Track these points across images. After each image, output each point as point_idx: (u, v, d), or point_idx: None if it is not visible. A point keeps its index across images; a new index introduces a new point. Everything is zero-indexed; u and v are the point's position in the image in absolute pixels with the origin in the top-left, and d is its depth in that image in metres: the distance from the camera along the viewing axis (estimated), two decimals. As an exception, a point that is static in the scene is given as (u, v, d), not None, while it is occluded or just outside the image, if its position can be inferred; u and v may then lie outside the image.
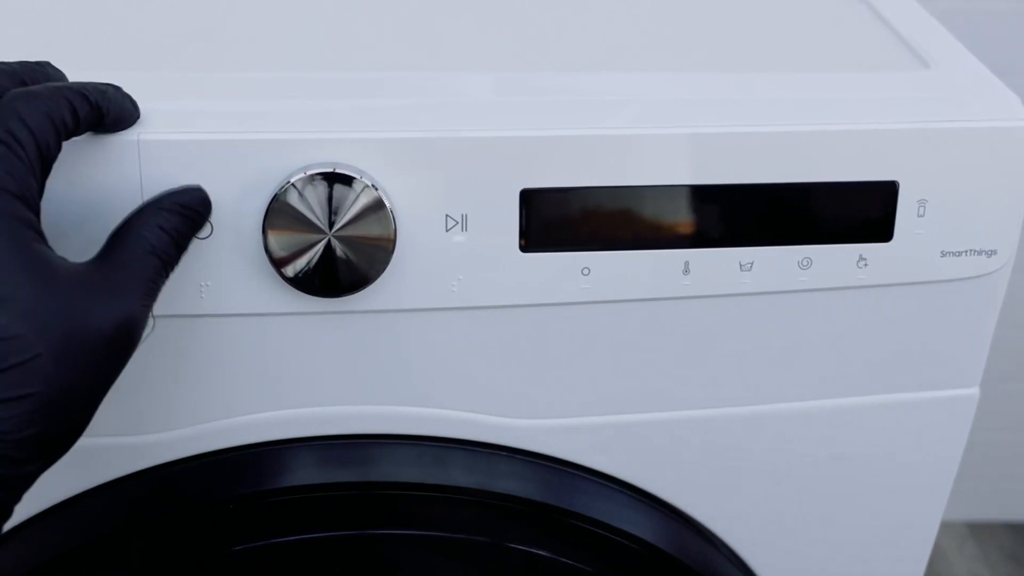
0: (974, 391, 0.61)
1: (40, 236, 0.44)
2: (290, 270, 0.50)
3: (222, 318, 0.52)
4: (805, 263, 0.55)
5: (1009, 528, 1.60)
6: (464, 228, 0.52)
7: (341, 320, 0.53)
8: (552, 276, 0.53)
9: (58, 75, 0.49)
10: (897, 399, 0.60)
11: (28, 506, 0.56)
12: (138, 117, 0.49)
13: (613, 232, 0.53)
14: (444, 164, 0.51)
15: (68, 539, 0.56)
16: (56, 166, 0.48)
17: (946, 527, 1.59)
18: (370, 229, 0.50)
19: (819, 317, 0.57)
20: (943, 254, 0.56)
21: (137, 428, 0.55)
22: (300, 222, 0.49)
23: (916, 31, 0.62)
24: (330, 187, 0.49)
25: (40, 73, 0.48)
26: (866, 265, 0.55)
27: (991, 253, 0.56)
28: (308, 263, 0.50)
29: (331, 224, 0.49)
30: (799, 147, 0.53)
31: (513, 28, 0.62)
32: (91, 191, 0.49)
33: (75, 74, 0.53)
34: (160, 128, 0.49)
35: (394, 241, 0.50)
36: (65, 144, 0.48)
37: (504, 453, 0.58)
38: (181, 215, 0.48)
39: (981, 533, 1.59)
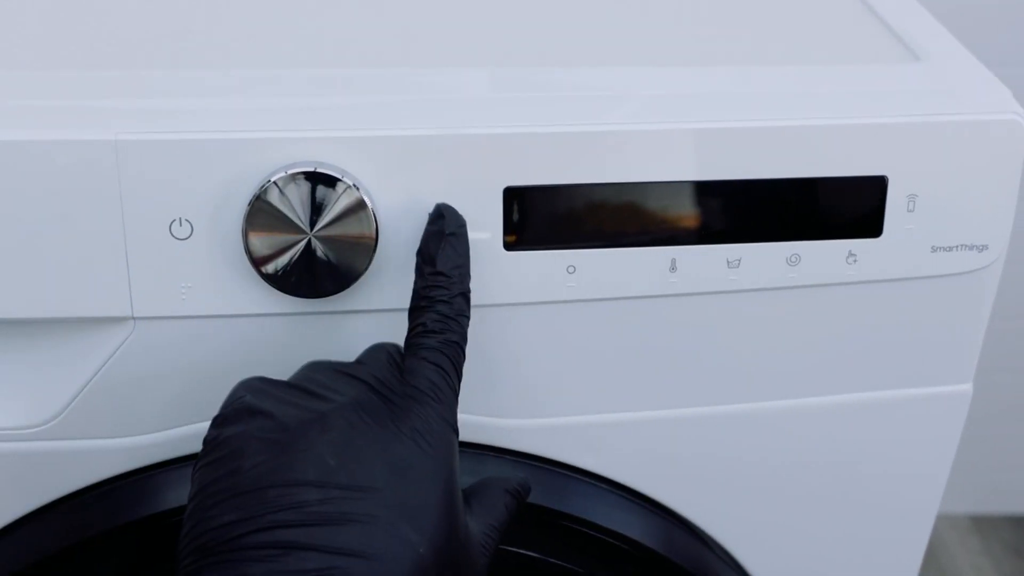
0: (967, 387, 0.61)
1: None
2: (270, 270, 0.50)
3: (204, 319, 0.52)
4: (794, 259, 0.54)
5: (1012, 521, 1.60)
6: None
7: (324, 320, 0.53)
8: (537, 274, 0.53)
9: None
10: (889, 396, 0.60)
11: (19, 506, 0.56)
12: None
13: (598, 230, 0.52)
14: (427, 162, 0.50)
15: (56, 540, 0.56)
16: (34, 168, 0.48)
17: (949, 520, 1.58)
18: (352, 229, 0.49)
19: (809, 314, 0.56)
20: (933, 249, 0.55)
21: (121, 431, 0.54)
22: (281, 222, 0.49)
23: (907, 23, 0.62)
24: (311, 186, 0.49)
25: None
26: (856, 261, 0.55)
27: (982, 248, 0.55)
28: (289, 263, 0.49)
29: (312, 224, 0.49)
30: (787, 142, 0.52)
31: (497, 24, 0.61)
32: (69, 192, 0.49)
33: (51, 73, 0.52)
34: (138, 127, 0.49)
35: (376, 240, 0.50)
36: (44, 145, 0.48)
37: (491, 453, 0.57)
38: None
39: (984, 526, 1.59)
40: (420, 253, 0.49)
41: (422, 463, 0.45)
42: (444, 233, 0.49)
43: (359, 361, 0.49)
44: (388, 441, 0.45)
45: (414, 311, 0.49)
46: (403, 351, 0.49)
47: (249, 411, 0.45)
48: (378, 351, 0.49)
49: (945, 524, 1.57)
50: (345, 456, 0.44)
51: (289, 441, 0.44)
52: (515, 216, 0.51)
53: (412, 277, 0.50)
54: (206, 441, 0.45)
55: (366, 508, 0.42)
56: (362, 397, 0.46)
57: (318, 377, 0.47)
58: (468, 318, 0.49)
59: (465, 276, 0.49)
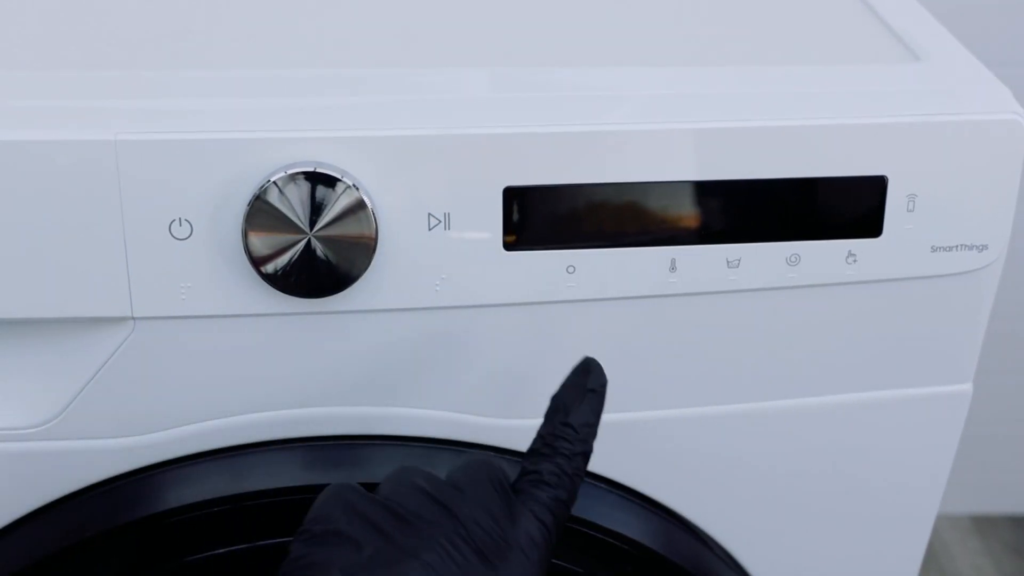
0: (967, 387, 0.61)
1: None
2: (270, 270, 0.50)
3: (204, 319, 0.52)
4: (794, 259, 0.54)
5: (1013, 521, 1.60)
6: (447, 227, 0.51)
7: (324, 321, 0.52)
8: (537, 274, 0.53)
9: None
10: (889, 396, 0.60)
11: (19, 506, 0.56)
12: None
13: (598, 229, 0.52)
14: (426, 162, 0.50)
15: (56, 540, 0.56)
16: (33, 168, 0.48)
17: (950, 520, 1.58)
18: (351, 229, 0.49)
19: (808, 314, 0.56)
20: (933, 249, 0.55)
21: (120, 431, 0.54)
22: (281, 221, 0.49)
23: (907, 23, 0.62)
24: (311, 186, 0.49)
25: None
26: (855, 261, 0.55)
27: (982, 248, 0.55)
28: (288, 263, 0.49)
29: (312, 224, 0.49)
30: (787, 142, 0.52)
31: (497, 24, 0.61)
32: (69, 193, 0.49)
33: (51, 73, 0.52)
34: (138, 127, 0.49)
35: (376, 240, 0.50)
36: (44, 145, 0.48)
37: (491, 454, 0.57)
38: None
39: (984, 526, 1.59)
40: (555, 399, 0.49)
41: None
42: (586, 388, 0.48)
43: (456, 485, 0.46)
44: None
45: (533, 454, 0.47)
46: (511, 485, 0.47)
47: (337, 536, 0.43)
48: (480, 474, 0.47)
49: (945, 524, 1.57)
50: None
51: None
52: (515, 216, 0.51)
53: (414, 278, 0.50)
54: (291, 557, 0.44)
55: None
56: (451, 539, 0.43)
57: (410, 501, 0.45)
58: (583, 479, 0.48)
59: (592, 437, 0.48)
